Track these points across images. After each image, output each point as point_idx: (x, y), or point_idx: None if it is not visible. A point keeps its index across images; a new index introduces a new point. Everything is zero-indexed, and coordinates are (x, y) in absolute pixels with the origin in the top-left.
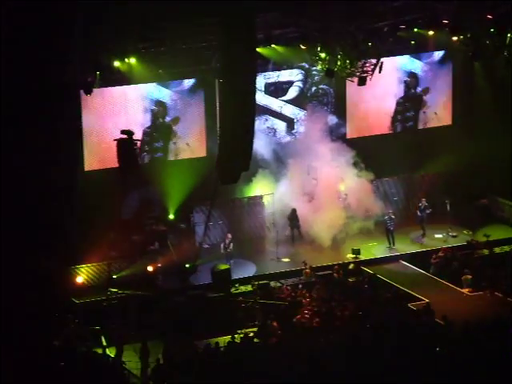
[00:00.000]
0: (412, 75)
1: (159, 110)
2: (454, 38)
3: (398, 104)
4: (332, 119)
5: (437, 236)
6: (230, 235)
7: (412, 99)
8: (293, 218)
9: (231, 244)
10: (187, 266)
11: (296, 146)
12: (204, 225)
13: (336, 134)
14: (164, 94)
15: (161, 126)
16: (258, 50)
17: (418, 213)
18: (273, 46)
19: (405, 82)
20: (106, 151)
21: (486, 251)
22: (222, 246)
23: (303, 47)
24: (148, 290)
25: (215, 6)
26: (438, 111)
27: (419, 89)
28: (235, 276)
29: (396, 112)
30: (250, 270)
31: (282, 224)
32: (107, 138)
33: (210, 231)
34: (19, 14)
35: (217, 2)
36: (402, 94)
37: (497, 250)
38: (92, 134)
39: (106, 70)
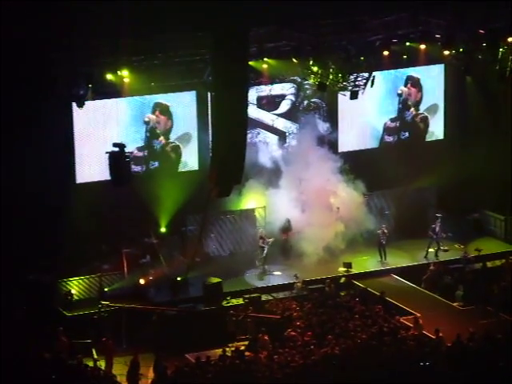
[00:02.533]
0: (412, 83)
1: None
2: (447, 53)
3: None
4: (324, 133)
5: (429, 250)
6: (261, 230)
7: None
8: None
9: (269, 241)
10: (179, 279)
11: (288, 158)
12: (197, 238)
13: (328, 147)
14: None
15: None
16: (250, 63)
17: (433, 235)
18: (265, 59)
19: (399, 95)
20: (98, 164)
21: (478, 265)
22: (260, 242)
23: (295, 61)
24: (139, 302)
25: (208, 19)
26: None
27: (422, 108)
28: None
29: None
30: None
31: (274, 236)
32: (99, 150)
33: (202, 244)
34: (14, 26)
35: (209, 16)
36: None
37: (488, 264)
38: (84, 146)
39: (98, 82)
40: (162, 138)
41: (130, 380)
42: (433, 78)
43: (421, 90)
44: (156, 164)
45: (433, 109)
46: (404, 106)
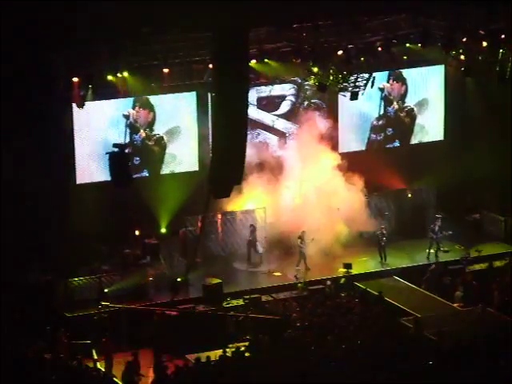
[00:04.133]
0: (394, 77)
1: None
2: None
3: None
4: (324, 133)
5: (430, 251)
6: (302, 231)
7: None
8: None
9: (307, 242)
10: (179, 279)
11: (288, 159)
12: (196, 239)
13: (328, 148)
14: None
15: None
16: (250, 64)
17: (433, 235)
18: (265, 60)
19: (380, 89)
20: (98, 164)
21: (477, 266)
22: (298, 242)
23: (296, 62)
24: (139, 303)
25: (208, 19)
26: (430, 126)
27: (410, 104)
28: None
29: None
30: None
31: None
32: (99, 151)
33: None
34: (14, 26)
35: (210, 16)
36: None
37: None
38: (84, 146)
39: (98, 83)
40: (142, 131)
41: (125, 381)
42: (421, 74)
43: (405, 83)
44: (138, 159)
45: (422, 103)
46: (386, 101)
